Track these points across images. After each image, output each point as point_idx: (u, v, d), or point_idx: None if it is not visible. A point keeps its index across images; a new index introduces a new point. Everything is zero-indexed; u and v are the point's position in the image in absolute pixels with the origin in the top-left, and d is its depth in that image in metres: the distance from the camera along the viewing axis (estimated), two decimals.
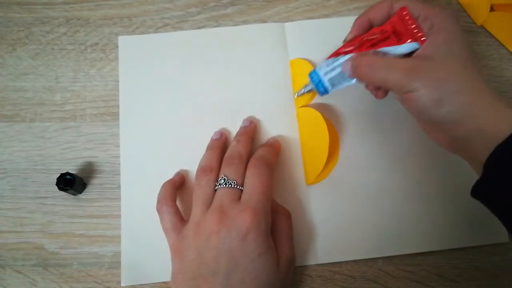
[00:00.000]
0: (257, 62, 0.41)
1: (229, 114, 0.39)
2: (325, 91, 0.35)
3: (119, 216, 0.37)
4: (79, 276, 0.36)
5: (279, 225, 0.33)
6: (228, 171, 0.33)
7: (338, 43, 0.41)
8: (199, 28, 0.43)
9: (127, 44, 0.42)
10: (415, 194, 0.37)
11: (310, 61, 0.41)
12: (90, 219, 0.37)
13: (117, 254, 0.36)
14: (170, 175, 0.37)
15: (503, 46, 0.43)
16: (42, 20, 0.43)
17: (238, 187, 0.32)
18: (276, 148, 0.37)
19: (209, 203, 0.32)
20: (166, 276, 0.34)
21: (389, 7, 0.33)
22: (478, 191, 0.28)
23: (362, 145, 0.39)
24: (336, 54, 0.34)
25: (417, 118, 0.32)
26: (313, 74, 0.35)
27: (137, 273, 0.35)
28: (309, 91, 0.37)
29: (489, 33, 0.43)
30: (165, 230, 0.33)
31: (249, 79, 0.41)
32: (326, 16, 0.44)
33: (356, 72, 0.32)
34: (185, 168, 0.38)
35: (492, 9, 0.43)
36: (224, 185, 0.32)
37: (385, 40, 0.32)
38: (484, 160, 0.27)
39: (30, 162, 0.39)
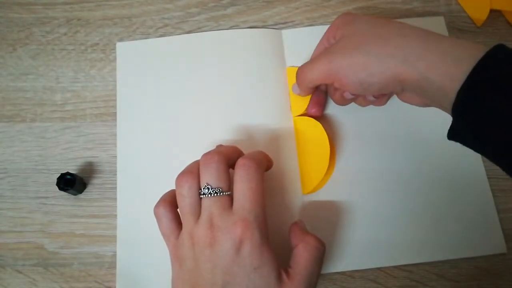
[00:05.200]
0: (254, 69, 0.41)
1: (224, 119, 0.39)
2: None
3: None
4: (80, 276, 0.36)
5: (296, 256, 0.30)
6: (209, 177, 0.29)
7: None
8: (199, 28, 0.43)
9: (124, 50, 0.42)
10: (413, 205, 0.37)
11: None
12: (90, 219, 0.37)
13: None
14: (166, 179, 0.37)
15: None
16: (43, 21, 0.43)
17: (225, 193, 0.29)
18: (265, 153, 0.34)
19: (197, 214, 0.30)
20: (163, 286, 0.34)
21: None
22: (455, 134, 0.29)
23: (359, 153, 0.39)
24: None
25: (367, 94, 0.33)
26: None
27: (133, 283, 0.35)
28: None
29: (488, 33, 0.44)
30: (163, 235, 0.32)
31: (245, 85, 0.40)
32: (325, 16, 0.44)
33: (298, 84, 0.36)
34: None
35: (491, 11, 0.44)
36: (209, 195, 0.29)
37: None
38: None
39: (31, 162, 0.39)
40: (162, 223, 0.31)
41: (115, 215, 0.37)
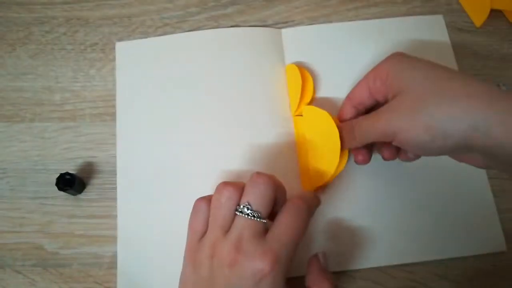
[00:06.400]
0: (253, 67, 0.41)
1: (224, 117, 0.39)
2: None
3: None
4: (79, 276, 0.36)
5: None
6: (254, 197, 0.28)
7: (335, 48, 0.42)
8: (199, 27, 0.43)
9: (124, 49, 0.42)
10: (413, 204, 0.37)
11: (306, 67, 0.41)
12: (90, 219, 0.37)
13: (117, 255, 0.36)
14: (167, 179, 0.37)
15: (503, 46, 0.43)
16: (42, 20, 0.43)
17: (261, 220, 0.28)
18: (319, 201, 0.33)
19: (227, 228, 0.28)
20: (163, 286, 0.34)
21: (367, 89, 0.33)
22: None
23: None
24: None
25: (427, 155, 0.30)
26: None
27: (134, 283, 0.35)
28: None
29: (489, 33, 0.43)
30: (190, 227, 0.31)
31: (245, 84, 0.40)
32: (326, 15, 0.44)
33: (347, 139, 0.34)
34: (182, 174, 0.37)
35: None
36: (247, 216, 0.28)
37: None
38: None
39: (30, 162, 0.39)
40: (197, 217, 0.30)
41: (115, 216, 0.37)
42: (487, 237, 0.36)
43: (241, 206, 0.28)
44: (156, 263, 0.35)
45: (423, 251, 0.36)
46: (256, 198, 0.28)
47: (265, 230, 0.28)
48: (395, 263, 0.36)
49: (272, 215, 0.30)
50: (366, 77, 0.33)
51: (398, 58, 0.31)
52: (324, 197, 0.37)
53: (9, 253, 0.36)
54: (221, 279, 0.27)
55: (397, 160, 0.38)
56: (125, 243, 0.36)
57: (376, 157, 0.38)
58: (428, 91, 0.28)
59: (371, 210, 0.37)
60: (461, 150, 0.28)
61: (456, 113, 0.26)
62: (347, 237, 0.36)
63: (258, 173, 0.29)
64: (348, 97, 0.35)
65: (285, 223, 0.28)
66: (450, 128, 0.26)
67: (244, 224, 0.28)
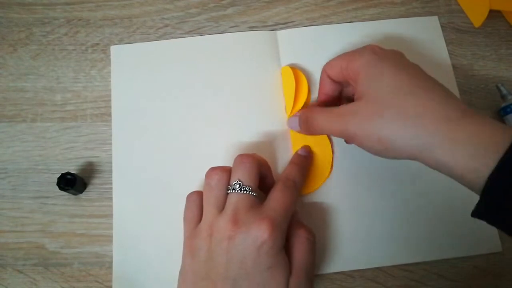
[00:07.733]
0: (248, 70, 0.41)
1: (219, 120, 0.39)
2: None
3: None
4: (80, 276, 0.36)
5: (291, 251, 0.31)
6: (242, 174, 0.31)
7: (330, 50, 0.42)
8: (199, 28, 0.43)
9: (119, 53, 0.42)
10: (411, 204, 0.37)
11: (302, 69, 0.41)
12: (91, 219, 0.37)
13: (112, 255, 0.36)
14: (162, 181, 0.38)
15: (502, 46, 0.43)
16: (43, 21, 0.44)
17: (253, 193, 0.30)
18: (305, 170, 0.36)
19: (221, 207, 0.30)
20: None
21: (342, 66, 0.33)
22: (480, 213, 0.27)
23: (357, 153, 0.38)
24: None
25: (384, 158, 0.31)
26: None
27: (130, 284, 0.35)
28: None
29: (487, 33, 0.44)
30: (185, 219, 0.32)
31: (240, 87, 0.40)
32: (325, 16, 0.44)
33: (303, 128, 0.35)
34: (177, 174, 0.38)
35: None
36: (239, 191, 0.30)
37: None
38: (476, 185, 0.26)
39: (31, 162, 0.39)
40: (190, 207, 0.32)
41: None
42: (483, 238, 0.37)
43: (233, 184, 0.30)
44: (152, 263, 0.35)
45: (420, 252, 0.36)
46: (244, 174, 0.31)
47: (258, 203, 0.30)
48: (393, 263, 0.36)
49: (263, 191, 0.33)
50: (341, 58, 0.33)
51: (371, 58, 0.31)
52: (322, 199, 0.37)
53: (11, 253, 0.36)
54: (221, 255, 0.28)
55: (393, 162, 0.38)
56: (121, 244, 0.36)
57: (372, 159, 0.38)
58: (385, 103, 0.29)
59: (369, 210, 0.37)
60: (412, 159, 0.29)
61: (406, 133, 0.28)
62: (346, 238, 0.36)
63: (241, 155, 0.32)
64: (324, 69, 0.35)
65: (277, 197, 0.31)
66: (400, 145, 0.28)
67: (237, 199, 0.30)
